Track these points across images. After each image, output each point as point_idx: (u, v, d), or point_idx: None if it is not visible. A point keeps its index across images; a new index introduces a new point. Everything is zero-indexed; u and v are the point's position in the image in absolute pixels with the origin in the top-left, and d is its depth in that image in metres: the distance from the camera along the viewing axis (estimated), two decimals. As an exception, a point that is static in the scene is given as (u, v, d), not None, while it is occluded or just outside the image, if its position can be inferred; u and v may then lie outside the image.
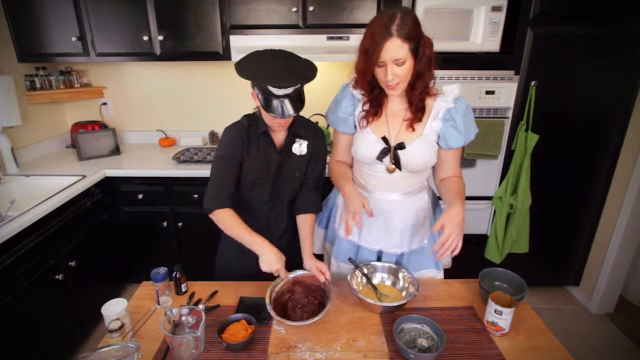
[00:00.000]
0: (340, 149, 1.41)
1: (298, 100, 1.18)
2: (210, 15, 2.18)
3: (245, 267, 1.45)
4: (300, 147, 1.37)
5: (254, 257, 1.42)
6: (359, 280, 1.31)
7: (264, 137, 1.33)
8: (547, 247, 2.39)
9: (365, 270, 1.32)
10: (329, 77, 2.63)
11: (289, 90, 1.14)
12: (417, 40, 1.08)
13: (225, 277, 1.45)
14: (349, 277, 1.28)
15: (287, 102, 1.15)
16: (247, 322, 1.09)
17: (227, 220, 1.26)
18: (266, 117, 1.26)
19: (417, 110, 1.21)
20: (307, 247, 1.35)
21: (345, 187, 1.30)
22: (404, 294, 1.27)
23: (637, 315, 2.38)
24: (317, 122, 2.62)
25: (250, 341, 1.05)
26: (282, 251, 1.45)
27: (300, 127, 1.37)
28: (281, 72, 1.16)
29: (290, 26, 2.18)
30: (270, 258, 1.19)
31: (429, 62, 1.12)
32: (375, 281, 1.32)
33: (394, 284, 1.32)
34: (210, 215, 1.28)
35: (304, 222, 1.40)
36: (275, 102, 1.15)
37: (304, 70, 1.19)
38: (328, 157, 1.50)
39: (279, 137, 1.36)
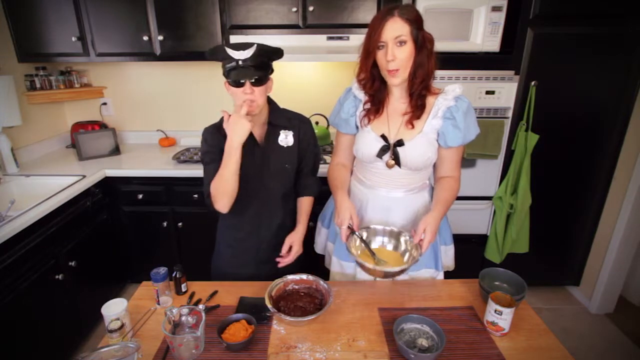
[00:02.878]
0: (342, 150, 1.42)
1: (262, 71, 1.22)
2: (210, 15, 2.18)
3: (241, 270, 1.45)
4: (286, 139, 1.38)
5: (249, 260, 1.42)
6: (357, 244, 1.26)
7: None
8: (547, 247, 2.39)
9: (364, 235, 1.28)
10: (329, 77, 2.64)
11: (248, 54, 1.19)
12: (417, 25, 1.12)
13: (220, 279, 1.46)
14: (347, 242, 1.24)
15: (250, 67, 1.20)
16: (247, 322, 1.09)
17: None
18: (235, 95, 1.25)
19: (416, 106, 1.22)
20: (299, 224, 1.44)
21: (337, 194, 1.33)
22: (405, 258, 1.24)
23: (637, 315, 2.38)
24: (316, 122, 2.63)
25: (250, 341, 1.05)
26: (280, 247, 1.43)
27: (280, 118, 1.38)
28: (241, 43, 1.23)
29: (290, 26, 2.18)
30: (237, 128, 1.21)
31: (429, 54, 1.15)
32: (375, 245, 1.29)
33: (395, 247, 1.29)
34: (214, 207, 1.32)
35: (301, 203, 1.47)
36: (238, 68, 1.20)
37: (267, 46, 1.24)
38: (328, 158, 1.50)
39: (258, 131, 1.36)
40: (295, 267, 1.44)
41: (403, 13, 1.10)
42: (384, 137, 1.26)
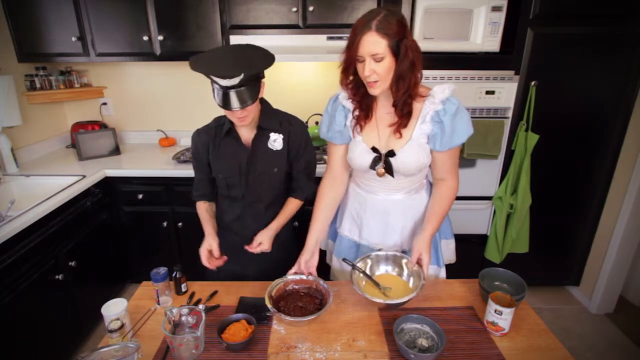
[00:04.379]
0: (336, 162, 1.36)
1: (247, 92, 1.17)
2: (210, 15, 2.18)
3: (229, 267, 1.45)
4: (274, 143, 1.36)
5: (235, 260, 1.42)
6: (361, 276, 1.28)
7: (230, 135, 1.34)
8: (547, 246, 2.39)
9: (365, 266, 1.29)
10: (329, 77, 2.64)
11: (234, 81, 1.13)
12: (397, 38, 1.05)
13: (213, 277, 1.46)
14: (350, 276, 1.26)
15: (240, 91, 1.15)
16: (247, 322, 1.09)
17: (199, 213, 1.47)
18: (225, 112, 1.26)
19: (402, 115, 1.18)
20: (272, 222, 1.43)
21: (308, 239, 1.35)
22: (411, 283, 1.25)
23: (637, 315, 2.38)
24: (316, 122, 2.63)
25: (250, 341, 1.05)
26: (266, 256, 1.45)
27: (271, 121, 1.35)
28: (225, 63, 1.16)
29: (290, 26, 2.18)
30: (204, 242, 1.36)
31: (411, 64, 1.08)
32: (379, 273, 1.30)
33: (399, 274, 1.30)
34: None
35: (288, 202, 1.48)
36: (227, 94, 1.16)
37: (255, 61, 1.18)
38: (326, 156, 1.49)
39: (246, 133, 1.35)
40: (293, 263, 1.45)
41: (380, 28, 1.04)
42: (374, 149, 1.24)
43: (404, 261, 1.29)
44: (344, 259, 1.33)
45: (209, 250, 1.35)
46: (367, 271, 1.29)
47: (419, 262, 1.22)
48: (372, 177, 1.31)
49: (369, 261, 1.31)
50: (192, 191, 1.50)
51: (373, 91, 1.15)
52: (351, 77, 1.19)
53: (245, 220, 1.44)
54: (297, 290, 1.27)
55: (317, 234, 1.35)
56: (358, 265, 1.28)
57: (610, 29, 1.94)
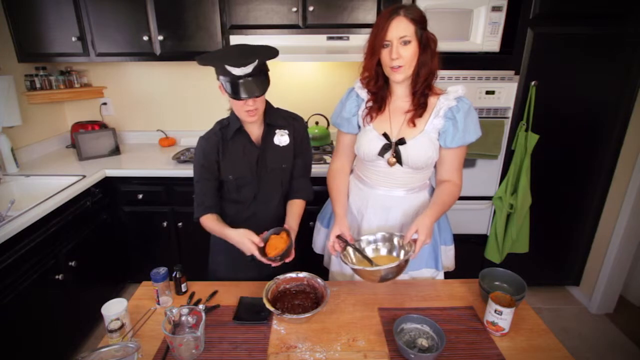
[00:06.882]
0: (342, 150, 1.43)
1: (258, 82, 1.19)
2: (210, 15, 2.18)
3: (239, 274, 1.44)
4: (282, 138, 1.37)
5: (248, 264, 1.41)
6: (352, 255, 1.26)
7: (239, 134, 1.33)
8: (547, 247, 2.39)
9: (357, 245, 1.27)
10: (329, 77, 2.64)
11: (249, 69, 1.15)
12: (422, 26, 1.15)
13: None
14: (340, 254, 1.24)
15: (250, 81, 1.16)
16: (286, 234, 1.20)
17: (209, 225, 1.35)
18: (236, 106, 1.25)
19: (418, 104, 1.23)
20: (289, 220, 1.38)
21: (336, 208, 1.35)
22: (401, 256, 1.22)
23: (637, 315, 2.38)
24: (316, 122, 2.63)
25: (289, 252, 1.20)
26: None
27: (276, 117, 1.37)
28: (237, 53, 1.19)
29: (290, 26, 2.18)
30: (238, 238, 1.24)
31: (432, 54, 1.18)
32: (369, 252, 1.28)
33: (390, 251, 1.27)
34: (200, 222, 1.36)
35: (292, 206, 1.42)
36: (239, 84, 1.16)
37: (263, 51, 1.21)
38: (328, 158, 1.50)
39: (255, 131, 1.35)
40: (294, 267, 1.45)
41: (408, 13, 1.13)
42: (385, 135, 1.26)
43: (395, 239, 1.26)
44: (337, 236, 1.27)
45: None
46: (357, 252, 1.25)
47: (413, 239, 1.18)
48: (376, 169, 1.32)
49: (356, 244, 1.28)
50: (195, 209, 1.37)
51: (397, 77, 1.19)
52: (368, 72, 1.24)
53: (257, 221, 1.43)
54: (289, 290, 1.27)
55: (343, 204, 1.35)
56: (349, 246, 1.25)
57: (610, 29, 1.94)
